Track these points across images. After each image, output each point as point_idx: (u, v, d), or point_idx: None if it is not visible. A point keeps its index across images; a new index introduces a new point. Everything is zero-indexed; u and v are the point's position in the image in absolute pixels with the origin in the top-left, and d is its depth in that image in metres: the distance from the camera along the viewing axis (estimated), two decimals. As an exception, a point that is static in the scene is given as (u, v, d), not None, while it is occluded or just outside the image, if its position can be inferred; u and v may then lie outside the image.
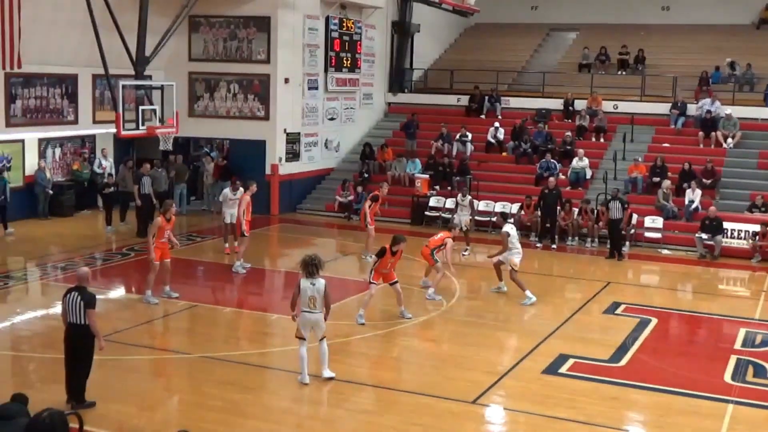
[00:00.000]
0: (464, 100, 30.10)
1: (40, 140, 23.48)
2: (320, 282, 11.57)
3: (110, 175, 23.83)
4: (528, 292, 16.51)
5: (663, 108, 27.69)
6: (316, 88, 27.08)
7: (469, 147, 27.29)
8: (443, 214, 24.26)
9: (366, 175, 26.68)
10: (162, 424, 10.34)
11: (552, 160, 25.50)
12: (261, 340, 14.11)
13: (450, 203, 24.20)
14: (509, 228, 17.00)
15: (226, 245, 19.91)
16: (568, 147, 26.22)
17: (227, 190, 19.60)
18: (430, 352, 13.86)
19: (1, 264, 18.52)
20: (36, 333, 13.93)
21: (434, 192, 25.37)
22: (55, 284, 17.05)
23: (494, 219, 19.35)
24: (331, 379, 11.77)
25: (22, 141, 22.87)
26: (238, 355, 12.84)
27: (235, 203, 18.93)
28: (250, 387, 11.71)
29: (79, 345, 10.55)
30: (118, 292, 16.98)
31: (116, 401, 10.86)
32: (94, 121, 24.62)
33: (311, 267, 11.54)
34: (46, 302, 15.91)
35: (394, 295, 15.12)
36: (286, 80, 25.61)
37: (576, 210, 22.72)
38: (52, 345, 12.26)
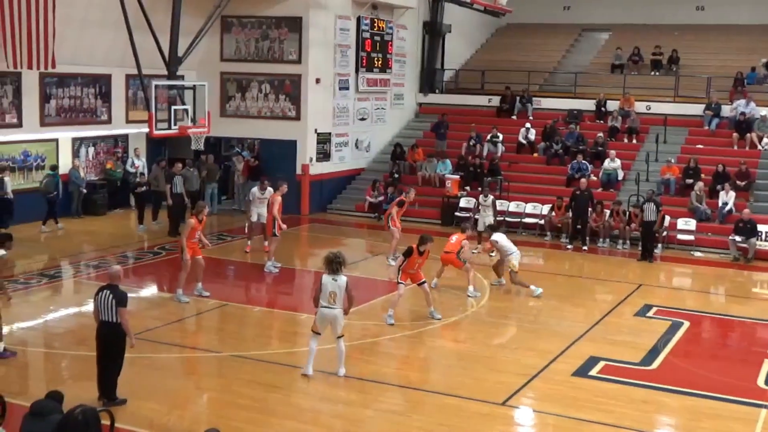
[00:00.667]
0: (495, 100, 30.00)
1: (74, 140, 23.72)
2: (342, 279, 11.71)
3: (142, 174, 24.02)
4: (532, 287, 16.65)
5: (697, 109, 27.41)
6: (347, 89, 27.12)
7: (500, 148, 27.20)
8: (474, 215, 24.18)
9: (396, 176, 26.67)
10: (192, 422, 10.40)
11: (583, 161, 25.34)
12: (291, 339, 14.15)
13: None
14: (497, 236, 17.27)
15: (249, 243, 20.06)
16: (600, 148, 26.05)
17: (255, 189, 19.74)
18: (458, 353, 13.82)
19: (35, 261, 18.74)
20: (69, 330, 14.07)
21: (465, 193, 25.31)
22: (87, 282, 17.22)
23: (484, 234, 19.34)
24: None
25: (56, 140, 23.11)
26: (267, 354, 12.89)
27: (263, 203, 19.09)
28: (280, 386, 11.75)
29: (110, 342, 10.66)
30: (150, 290, 17.11)
31: (147, 399, 10.95)
32: (127, 121, 24.85)
33: (335, 264, 11.68)
34: (78, 300, 16.06)
35: (423, 295, 15.11)
36: (317, 80, 25.68)
37: (607, 211, 22.56)
38: (84, 342, 12.39)
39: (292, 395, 11.59)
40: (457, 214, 24.69)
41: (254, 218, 19.57)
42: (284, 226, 18.39)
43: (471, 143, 27.36)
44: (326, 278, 11.72)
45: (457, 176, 25.74)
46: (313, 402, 11.43)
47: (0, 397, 7.55)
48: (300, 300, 16.22)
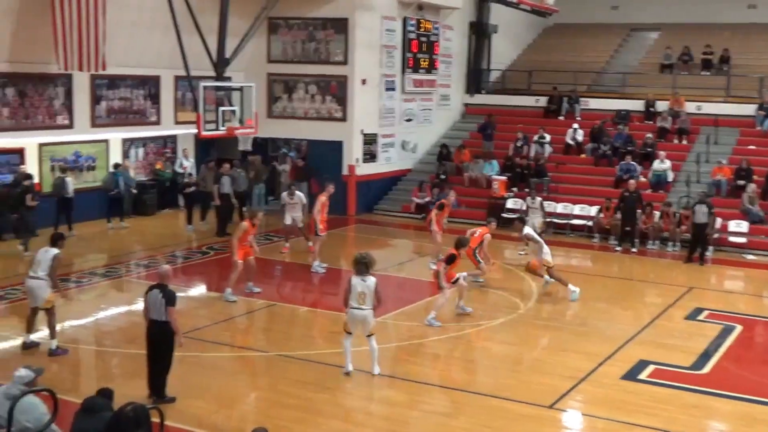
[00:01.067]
0: (542, 101, 29.79)
1: (124, 140, 24.05)
2: (371, 279, 11.78)
3: (191, 174, 24.25)
4: (571, 286, 16.49)
5: (749, 109, 26.95)
6: (393, 89, 27.12)
7: (548, 149, 27.00)
8: (522, 216, 24.04)
9: (443, 177, 26.60)
10: (240, 421, 10.48)
11: (632, 163, 25.02)
12: (337, 339, 14.10)
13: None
14: (527, 230, 17.13)
15: (286, 245, 20.14)
16: (649, 149, 25.72)
17: (285, 195, 19.97)
18: (505, 355, 13.72)
19: (87, 260, 19.02)
20: (119, 328, 14.26)
21: (512, 194, 25.16)
22: (137, 281, 17.42)
23: (516, 221, 18.95)
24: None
25: (107, 141, 23.45)
26: (314, 354, 12.93)
27: (294, 206, 19.42)
28: (326, 386, 11.77)
29: (160, 341, 10.77)
30: (198, 289, 17.27)
31: (195, 397, 11.04)
32: (176, 122, 25.12)
33: (362, 265, 11.78)
34: (128, 299, 16.26)
35: (458, 291, 15.07)
36: (364, 81, 25.72)
37: (657, 213, 22.25)
38: (134, 341, 12.53)
39: (339, 395, 11.60)
40: (503, 215, 24.52)
41: (288, 221, 19.77)
42: (320, 227, 18.34)
43: (518, 144, 27.20)
44: (355, 279, 11.81)
45: (504, 177, 25.60)
46: (359, 402, 11.44)
47: (52, 394, 7.64)
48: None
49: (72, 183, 21.32)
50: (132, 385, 10.90)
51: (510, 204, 24.70)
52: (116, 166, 22.94)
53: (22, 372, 8.46)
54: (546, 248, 16.89)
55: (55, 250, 12.58)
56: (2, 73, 20.21)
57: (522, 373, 12.61)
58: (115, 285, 17.70)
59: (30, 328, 12.74)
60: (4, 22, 19.40)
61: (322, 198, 18.44)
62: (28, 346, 12.68)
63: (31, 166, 21.11)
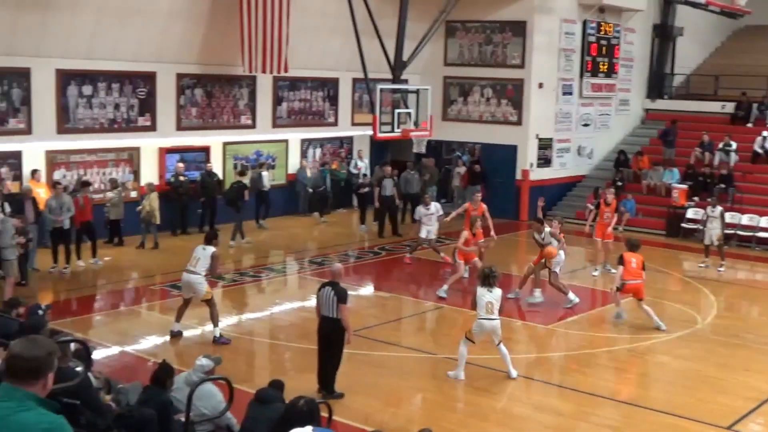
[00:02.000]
0: (729, 107, 28.38)
1: (303, 140, 24.76)
2: (497, 290, 11.85)
3: (365, 175, 24.66)
4: (571, 295, 15.69)
5: None
6: (571, 94, 26.61)
7: (733, 157, 25.68)
8: (701, 227, 23.05)
9: (619, 184, 25.83)
10: (406, 421, 10.53)
11: (827, 173, 23.47)
12: (506, 345, 13.96)
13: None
14: (548, 231, 16.17)
15: (408, 256, 19.43)
16: None
17: (421, 207, 19.25)
18: (680, 371, 13.10)
19: (264, 257, 19.71)
20: (292, 323, 14.66)
21: (692, 203, 24.12)
22: (310, 278, 17.88)
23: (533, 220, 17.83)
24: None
25: (286, 141, 24.22)
26: (482, 359, 12.82)
27: (430, 218, 18.87)
28: (493, 391, 11.67)
29: (331, 337, 10.98)
30: (368, 289, 17.51)
31: (363, 394, 11.19)
32: (353, 124, 25.64)
33: (490, 278, 11.86)
34: (302, 294, 16.72)
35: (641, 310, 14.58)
36: (540, 85, 25.37)
37: None
38: (306, 336, 12.85)
39: (505, 402, 11.47)
40: (683, 225, 23.59)
41: (423, 234, 18.97)
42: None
43: (701, 152, 26.04)
44: (481, 290, 11.84)
45: (685, 186, 24.59)
46: (526, 410, 11.26)
47: (228, 383, 7.94)
48: (515, 306, 16.01)
49: (268, 177, 22.46)
50: (302, 378, 11.19)
51: (690, 214, 23.69)
52: (323, 164, 24.42)
53: (203, 361, 8.85)
54: (563, 257, 16.06)
55: (212, 248, 13.12)
56: (192, 75, 21.26)
57: (699, 390, 12.03)
58: (290, 281, 18.25)
59: (179, 317, 13.33)
60: (196, 26, 20.42)
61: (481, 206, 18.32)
62: (175, 335, 13.29)
63: (215, 163, 22.09)
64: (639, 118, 30.22)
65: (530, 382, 11.96)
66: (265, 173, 22.48)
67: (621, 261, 14.55)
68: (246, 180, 21.37)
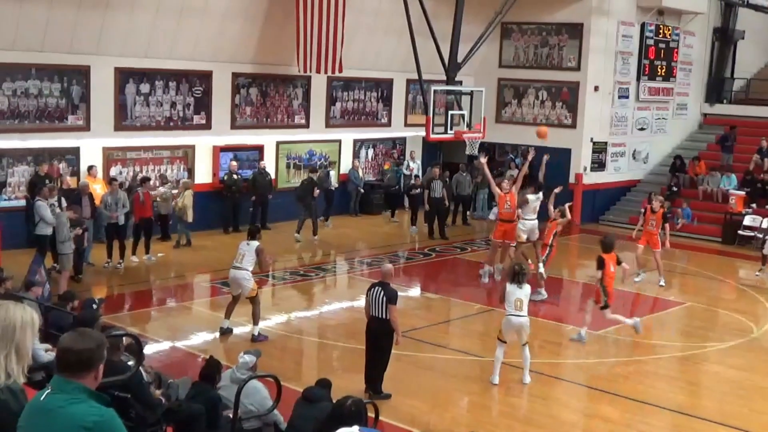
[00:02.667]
0: (790, 112, 27.82)
1: (355, 141, 24.84)
2: (526, 287, 11.78)
3: (417, 176, 24.65)
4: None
5: None
6: (627, 97, 26.29)
7: (793, 163, 25.18)
8: (758, 234, 22.65)
9: (675, 189, 25.48)
10: (452, 423, 10.51)
11: None
12: (553, 350, 13.89)
13: (766, 223, 22.55)
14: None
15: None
16: None
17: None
18: (734, 380, 12.84)
19: (315, 255, 19.81)
20: (341, 323, 14.70)
21: (750, 210, 23.68)
22: (360, 278, 17.93)
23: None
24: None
25: (339, 141, 24.32)
26: (531, 363, 12.72)
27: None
28: (540, 396, 11.58)
29: (379, 338, 10.98)
30: (417, 290, 17.49)
31: (409, 396, 11.18)
32: (406, 124, 25.65)
33: (520, 275, 11.74)
34: (351, 294, 16.76)
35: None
36: (596, 88, 25.11)
37: None
38: (354, 335, 12.88)
39: (553, 406, 11.37)
40: (740, 232, 23.15)
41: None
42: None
43: (760, 157, 25.54)
44: (511, 286, 11.74)
45: (743, 192, 24.14)
46: (574, 416, 11.16)
47: (277, 380, 8.00)
48: (565, 311, 15.87)
49: (334, 176, 22.88)
50: (349, 378, 11.20)
51: (747, 221, 23.26)
52: (398, 164, 25.15)
53: (246, 357, 8.93)
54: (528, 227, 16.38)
55: (255, 243, 13.21)
56: (247, 74, 21.46)
57: (753, 401, 11.79)
58: (339, 280, 18.32)
59: (228, 314, 13.43)
60: (252, 26, 20.61)
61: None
62: (224, 332, 13.38)
63: (268, 162, 22.25)
64: (697, 122, 29.74)
65: (579, 388, 11.84)
66: (332, 172, 23.10)
67: (601, 264, 13.71)
68: (316, 177, 21.70)
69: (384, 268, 11.56)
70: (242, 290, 13.20)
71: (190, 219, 19.35)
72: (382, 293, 10.87)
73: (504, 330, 11.87)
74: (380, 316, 10.88)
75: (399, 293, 11.33)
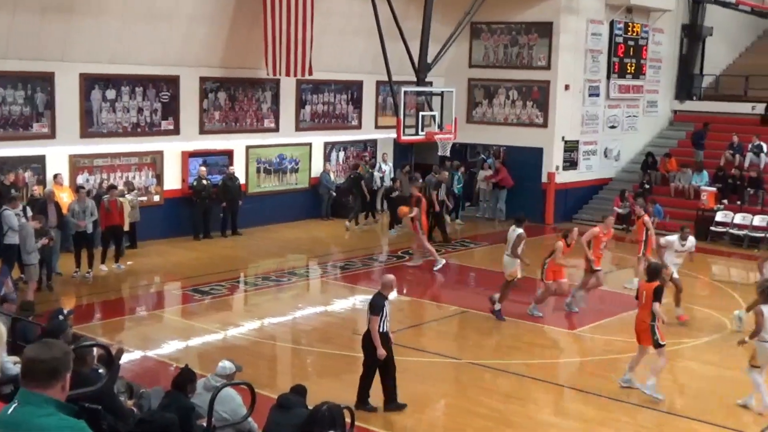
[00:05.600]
0: (760, 108, 27.93)
1: (326, 144, 24.66)
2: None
3: (393, 179, 24.46)
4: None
5: None
6: (597, 95, 26.35)
7: (764, 159, 25.30)
8: (730, 230, 22.76)
9: (647, 186, 25.56)
10: (429, 426, 10.41)
11: None
12: (530, 350, 13.79)
13: (739, 218, 22.67)
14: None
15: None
16: None
17: (677, 241, 15.66)
18: (710, 377, 12.78)
19: (286, 261, 19.63)
20: (315, 328, 14.52)
21: (722, 206, 23.78)
22: (333, 282, 17.75)
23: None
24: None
25: (310, 144, 24.12)
26: (506, 363, 12.65)
27: (682, 255, 15.92)
28: (517, 397, 11.49)
29: (368, 349, 10.64)
30: (392, 294, 17.28)
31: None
32: (376, 126, 25.53)
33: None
34: (324, 299, 16.58)
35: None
36: (566, 87, 25.14)
37: None
38: (328, 341, 12.75)
39: (530, 407, 11.28)
40: (712, 228, 23.25)
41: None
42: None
43: (731, 153, 25.67)
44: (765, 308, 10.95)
45: (714, 188, 24.25)
46: (549, 416, 11.07)
47: (251, 388, 7.84)
48: (544, 311, 15.75)
49: (332, 177, 23.73)
50: (324, 384, 11.06)
51: (719, 217, 23.36)
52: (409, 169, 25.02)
53: (226, 364, 8.75)
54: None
55: (519, 230, 14.46)
56: (215, 78, 21.23)
57: (729, 397, 11.72)
58: (312, 285, 18.12)
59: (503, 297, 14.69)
60: (219, 30, 20.40)
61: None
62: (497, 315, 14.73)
63: (238, 167, 22.03)
64: (667, 119, 29.88)
65: (554, 387, 11.75)
66: (330, 174, 24.02)
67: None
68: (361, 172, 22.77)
69: (383, 278, 11.17)
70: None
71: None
72: (369, 303, 10.64)
73: (759, 357, 11.08)
74: (367, 327, 10.65)
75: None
